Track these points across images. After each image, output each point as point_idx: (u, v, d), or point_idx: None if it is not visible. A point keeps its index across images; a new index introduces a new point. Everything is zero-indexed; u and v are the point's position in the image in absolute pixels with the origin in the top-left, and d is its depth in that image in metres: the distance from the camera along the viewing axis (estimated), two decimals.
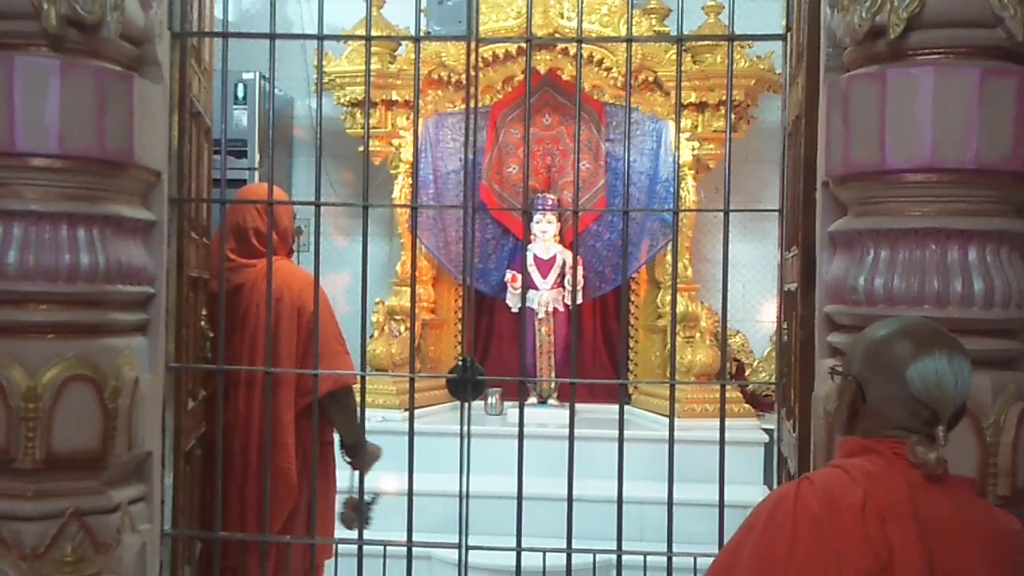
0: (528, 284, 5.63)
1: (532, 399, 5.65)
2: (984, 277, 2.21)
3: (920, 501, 1.63)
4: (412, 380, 2.90)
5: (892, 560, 1.58)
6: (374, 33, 3.16)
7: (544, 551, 2.95)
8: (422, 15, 3.10)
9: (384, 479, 3.56)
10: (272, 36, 2.79)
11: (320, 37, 2.83)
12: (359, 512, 3.09)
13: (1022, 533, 1.72)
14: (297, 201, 5.97)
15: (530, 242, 5.69)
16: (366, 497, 3.13)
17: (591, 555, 3.02)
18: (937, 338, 1.73)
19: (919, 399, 1.68)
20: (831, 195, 2.46)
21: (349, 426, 3.23)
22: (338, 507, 3.31)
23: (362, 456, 3.23)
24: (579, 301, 5.70)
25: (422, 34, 3.73)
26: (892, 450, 1.69)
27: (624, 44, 2.90)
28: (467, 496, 2.85)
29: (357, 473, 3.20)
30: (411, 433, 2.90)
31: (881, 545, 1.59)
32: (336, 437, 3.31)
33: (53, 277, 2.33)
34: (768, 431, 5.09)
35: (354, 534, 3.02)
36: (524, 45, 3.04)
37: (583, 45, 3.06)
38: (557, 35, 5.38)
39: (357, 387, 3.16)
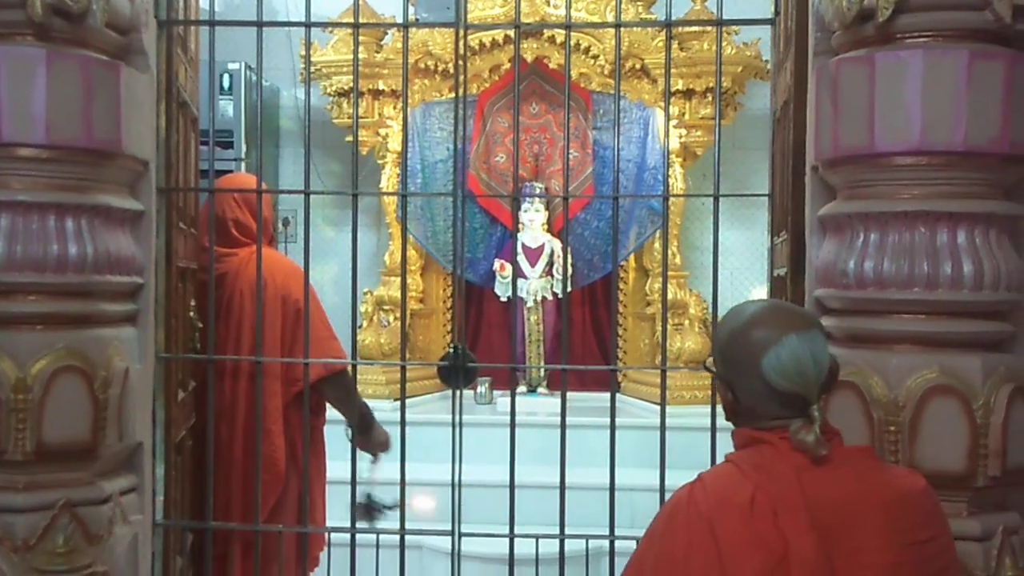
0: (516, 273, 5.63)
1: (521, 388, 5.65)
2: (973, 259, 2.22)
3: (810, 487, 1.61)
4: (403, 368, 2.90)
5: (787, 552, 1.56)
6: (361, 21, 3.14)
7: (537, 537, 2.96)
8: (409, 3, 3.09)
9: (376, 469, 3.55)
10: (259, 24, 2.77)
11: (308, 24, 2.81)
12: (368, 508, 3.18)
13: (928, 490, 1.69)
14: (286, 190, 5.97)
15: (518, 231, 5.69)
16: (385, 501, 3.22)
17: (584, 541, 3.02)
18: (782, 321, 1.69)
19: (783, 391, 1.66)
20: (820, 179, 2.46)
21: (349, 409, 3.24)
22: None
23: (368, 440, 3.26)
24: (568, 289, 5.70)
25: (410, 21, 3.71)
26: (779, 436, 1.67)
27: (611, 32, 2.90)
28: (459, 485, 2.85)
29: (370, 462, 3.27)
30: (403, 421, 2.89)
31: (774, 539, 1.57)
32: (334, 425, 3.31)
33: (41, 268, 2.31)
34: None
35: (346, 523, 3.02)
36: (511, 33, 3.03)
37: (571, 32, 3.05)
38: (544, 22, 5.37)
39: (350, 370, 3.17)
